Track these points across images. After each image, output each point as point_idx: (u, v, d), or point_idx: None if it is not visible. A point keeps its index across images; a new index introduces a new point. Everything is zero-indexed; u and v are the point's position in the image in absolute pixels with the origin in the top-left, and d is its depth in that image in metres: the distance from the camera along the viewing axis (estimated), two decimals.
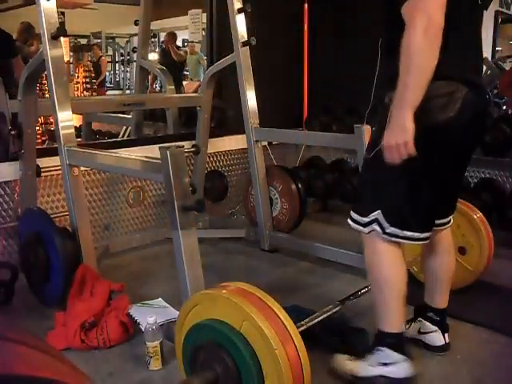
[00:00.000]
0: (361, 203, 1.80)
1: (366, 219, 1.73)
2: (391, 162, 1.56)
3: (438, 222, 1.87)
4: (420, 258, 2.17)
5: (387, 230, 1.70)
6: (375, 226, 1.72)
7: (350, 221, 1.80)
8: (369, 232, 1.74)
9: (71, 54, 7.39)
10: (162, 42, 7.92)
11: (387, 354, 1.74)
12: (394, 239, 1.72)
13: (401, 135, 1.50)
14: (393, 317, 1.77)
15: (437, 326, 2.02)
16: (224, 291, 1.54)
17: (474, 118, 1.68)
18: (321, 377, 1.83)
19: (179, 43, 8.96)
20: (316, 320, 1.83)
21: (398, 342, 1.75)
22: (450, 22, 1.52)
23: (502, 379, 1.93)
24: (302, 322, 1.80)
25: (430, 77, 1.49)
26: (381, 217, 1.70)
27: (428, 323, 2.03)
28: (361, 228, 1.76)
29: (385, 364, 1.74)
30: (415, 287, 2.09)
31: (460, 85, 1.61)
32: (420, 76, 1.49)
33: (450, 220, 1.96)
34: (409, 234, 1.71)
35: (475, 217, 2.45)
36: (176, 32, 7.30)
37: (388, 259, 1.75)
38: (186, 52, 7.52)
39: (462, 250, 2.46)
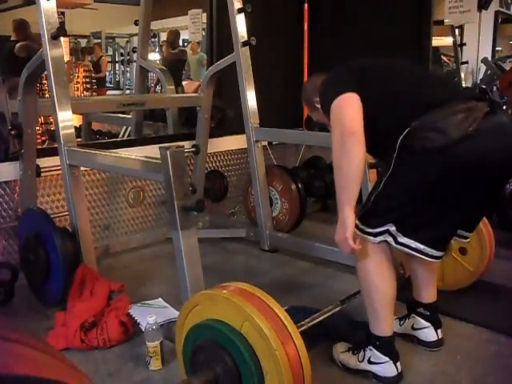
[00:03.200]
0: (371, 215, 1.78)
1: (378, 229, 1.74)
2: (345, 252, 1.72)
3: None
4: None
5: (400, 240, 1.72)
6: (387, 237, 1.73)
7: (357, 231, 1.79)
8: (379, 242, 1.75)
9: (71, 57, 7.39)
10: (163, 41, 7.91)
11: (375, 353, 1.84)
12: (406, 250, 1.73)
13: (343, 232, 1.67)
14: (381, 321, 1.83)
15: (429, 322, 2.04)
16: (225, 291, 1.54)
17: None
18: (321, 377, 1.83)
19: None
20: (317, 320, 1.83)
21: (385, 345, 1.84)
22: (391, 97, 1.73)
23: (502, 379, 1.93)
24: (303, 322, 1.80)
25: (359, 175, 1.66)
26: (393, 228, 1.71)
27: (421, 319, 2.05)
28: (371, 238, 1.76)
29: (373, 363, 1.85)
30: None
31: None
32: (346, 179, 1.67)
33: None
34: (421, 246, 1.71)
35: None
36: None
37: (376, 266, 1.79)
38: (181, 51, 7.48)
39: (462, 251, 2.46)
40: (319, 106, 1.97)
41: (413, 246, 1.71)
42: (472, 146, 1.59)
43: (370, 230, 1.76)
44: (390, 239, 1.73)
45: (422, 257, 1.74)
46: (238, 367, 1.45)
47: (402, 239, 1.71)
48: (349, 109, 1.67)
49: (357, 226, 1.78)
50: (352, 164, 1.63)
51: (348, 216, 1.66)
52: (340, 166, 1.67)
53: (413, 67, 1.89)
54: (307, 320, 1.82)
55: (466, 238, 1.94)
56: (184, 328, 1.62)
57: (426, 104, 1.66)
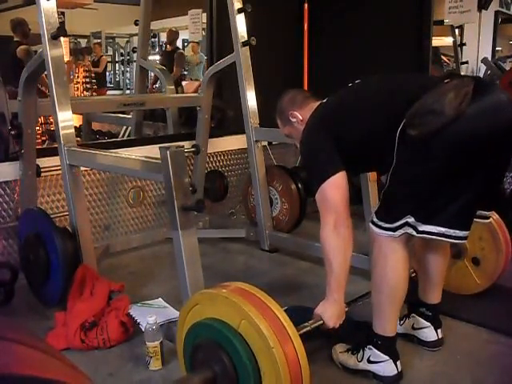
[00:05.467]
0: (387, 210, 1.77)
1: (397, 223, 1.71)
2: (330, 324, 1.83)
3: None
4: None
5: (420, 229, 1.68)
6: (407, 229, 1.70)
7: (375, 228, 1.77)
8: (399, 236, 1.72)
9: (71, 57, 7.44)
10: (163, 41, 7.93)
11: (375, 353, 1.83)
12: (428, 237, 1.69)
13: (337, 316, 1.83)
14: (386, 321, 1.82)
15: (429, 322, 2.04)
16: (224, 290, 1.54)
17: None
18: (320, 377, 1.83)
19: (179, 43, 8.95)
20: (319, 323, 1.82)
21: (386, 345, 1.83)
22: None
23: (502, 379, 1.93)
24: (306, 324, 1.80)
25: (349, 263, 1.79)
26: (412, 219, 1.68)
27: (421, 319, 2.05)
28: (390, 233, 1.73)
29: (372, 362, 1.84)
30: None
31: None
32: (339, 267, 1.78)
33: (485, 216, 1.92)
34: (443, 229, 1.66)
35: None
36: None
37: (393, 263, 1.76)
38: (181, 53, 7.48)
39: (475, 261, 2.41)
40: (294, 120, 2.06)
41: (435, 231, 1.66)
42: (470, 123, 1.57)
43: (389, 226, 1.73)
44: (410, 230, 1.69)
45: (447, 240, 1.69)
46: (235, 366, 1.45)
47: (423, 227, 1.67)
48: (338, 194, 1.79)
49: (375, 224, 1.77)
50: (347, 253, 1.78)
51: (341, 302, 1.82)
52: (334, 257, 1.77)
53: (388, 77, 1.90)
54: (311, 322, 1.81)
55: (487, 217, 1.94)
56: (184, 326, 1.63)
57: (415, 97, 1.64)
